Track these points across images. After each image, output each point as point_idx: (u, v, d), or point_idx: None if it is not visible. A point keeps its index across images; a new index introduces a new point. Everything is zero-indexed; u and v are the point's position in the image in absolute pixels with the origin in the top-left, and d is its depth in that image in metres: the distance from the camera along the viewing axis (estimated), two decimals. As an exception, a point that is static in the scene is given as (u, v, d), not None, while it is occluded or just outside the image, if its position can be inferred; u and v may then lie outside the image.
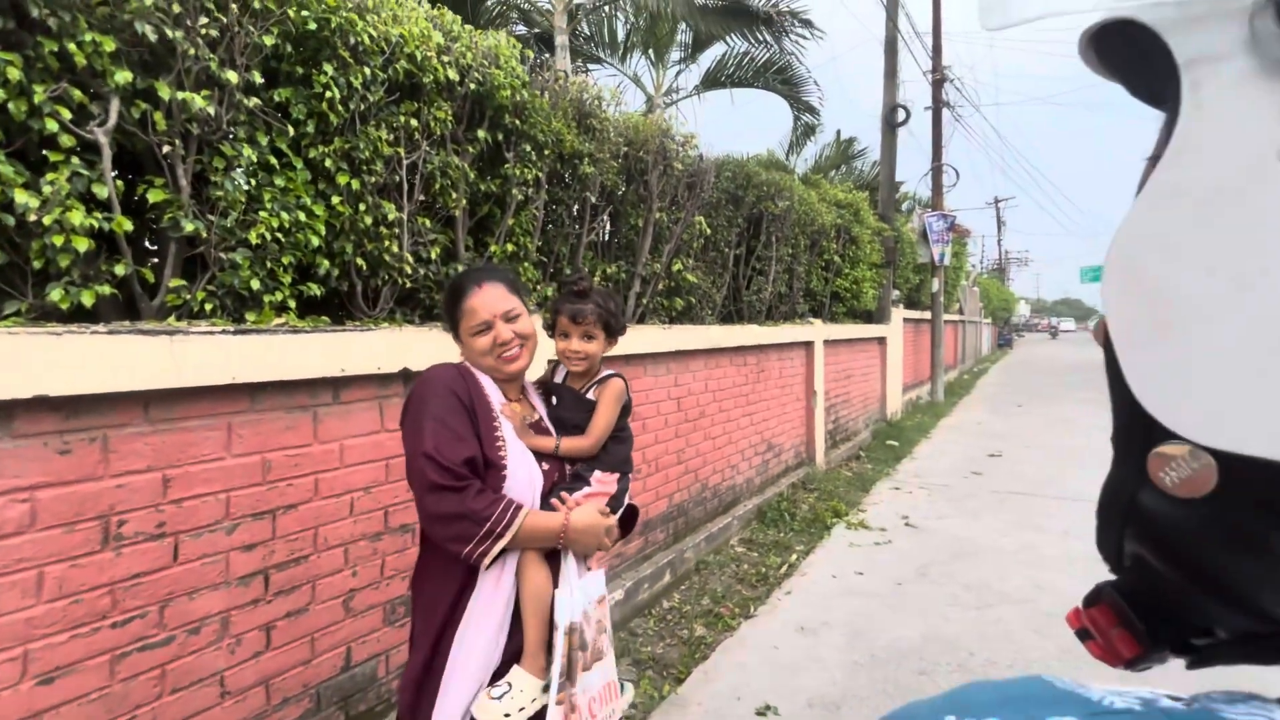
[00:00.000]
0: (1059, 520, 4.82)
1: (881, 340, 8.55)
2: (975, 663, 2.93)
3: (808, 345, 5.97)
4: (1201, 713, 0.21)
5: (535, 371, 1.58)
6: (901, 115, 9.26)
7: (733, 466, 4.71)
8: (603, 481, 1.42)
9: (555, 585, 1.32)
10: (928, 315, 11.31)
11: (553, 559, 1.34)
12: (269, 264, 2.01)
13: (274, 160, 2.02)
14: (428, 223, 2.58)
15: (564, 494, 1.36)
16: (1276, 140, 0.21)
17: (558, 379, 1.55)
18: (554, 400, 1.50)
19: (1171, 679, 0.25)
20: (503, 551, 1.24)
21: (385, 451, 2.18)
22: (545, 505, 1.35)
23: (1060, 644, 2.96)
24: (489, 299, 1.36)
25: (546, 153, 3.03)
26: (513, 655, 1.29)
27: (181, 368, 1.59)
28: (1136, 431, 0.26)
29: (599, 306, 1.45)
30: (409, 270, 2.47)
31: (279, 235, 2.01)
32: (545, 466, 1.38)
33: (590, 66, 9.40)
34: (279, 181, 2.03)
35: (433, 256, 2.59)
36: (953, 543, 4.46)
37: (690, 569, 3.90)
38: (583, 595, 1.34)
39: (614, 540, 1.44)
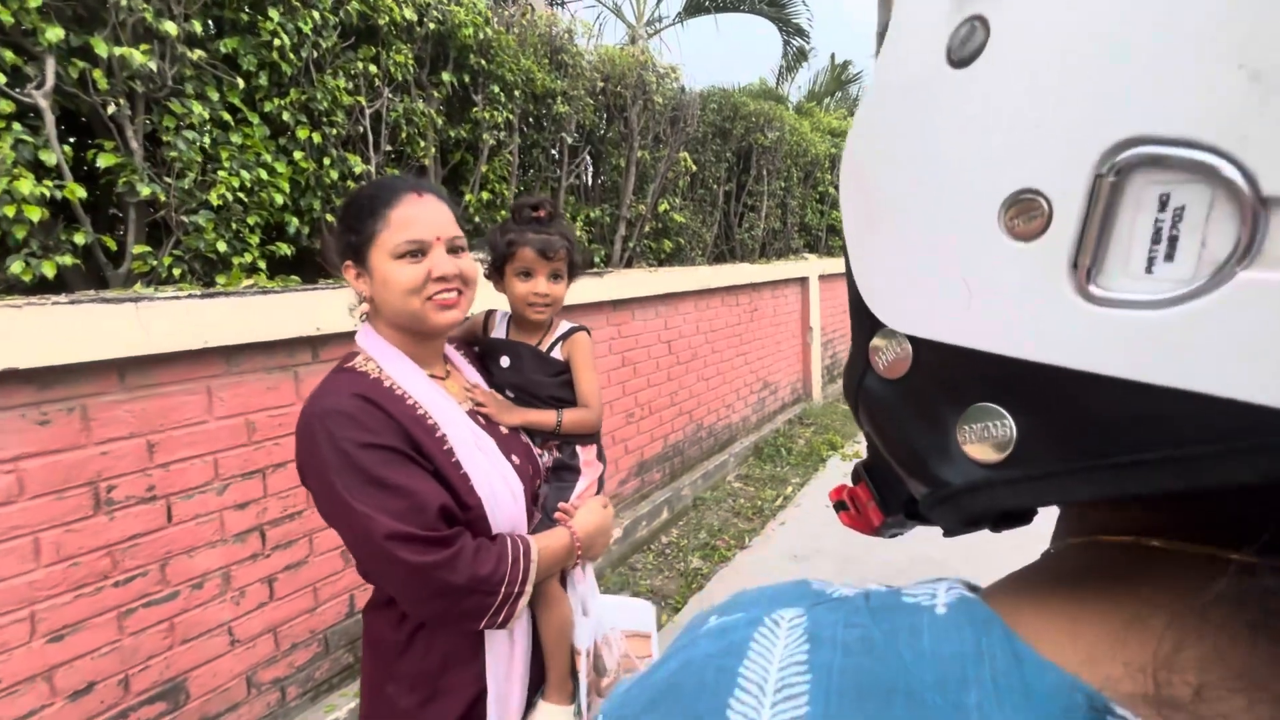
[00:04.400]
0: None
1: (879, 272, 8.45)
2: (962, 582, 3.04)
3: (802, 281, 5.91)
4: (891, 593, 0.25)
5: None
6: (898, 33, 8.82)
7: (728, 406, 4.76)
8: (590, 464, 1.19)
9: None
10: (928, 244, 11.11)
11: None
12: (234, 225, 1.98)
13: (228, 116, 1.96)
14: (397, 174, 2.52)
15: (562, 505, 1.13)
16: (942, 43, 0.23)
17: (497, 333, 1.22)
18: (504, 362, 1.17)
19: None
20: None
21: (371, 407, 2.20)
22: (542, 517, 1.11)
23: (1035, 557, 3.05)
24: (431, 214, 0.95)
25: (517, 93, 2.92)
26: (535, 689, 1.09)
27: (151, 334, 1.60)
28: (864, 321, 0.29)
29: (566, 238, 1.15)
30: (381, 224, 2.43)
31: (241, 195, 1.98)
32: (516, 460, 1.05)
33: (567, -2, 8.95)
34: (235, 138, 1.97)
35: (405, 209, 2.54)
36: (946, 469, 4.54)
37: (688, 505, 4.00)
38: (607, 617, 1.14)
39: None
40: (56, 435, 1.51)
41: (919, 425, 0.27)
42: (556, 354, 1.19)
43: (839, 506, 0.36)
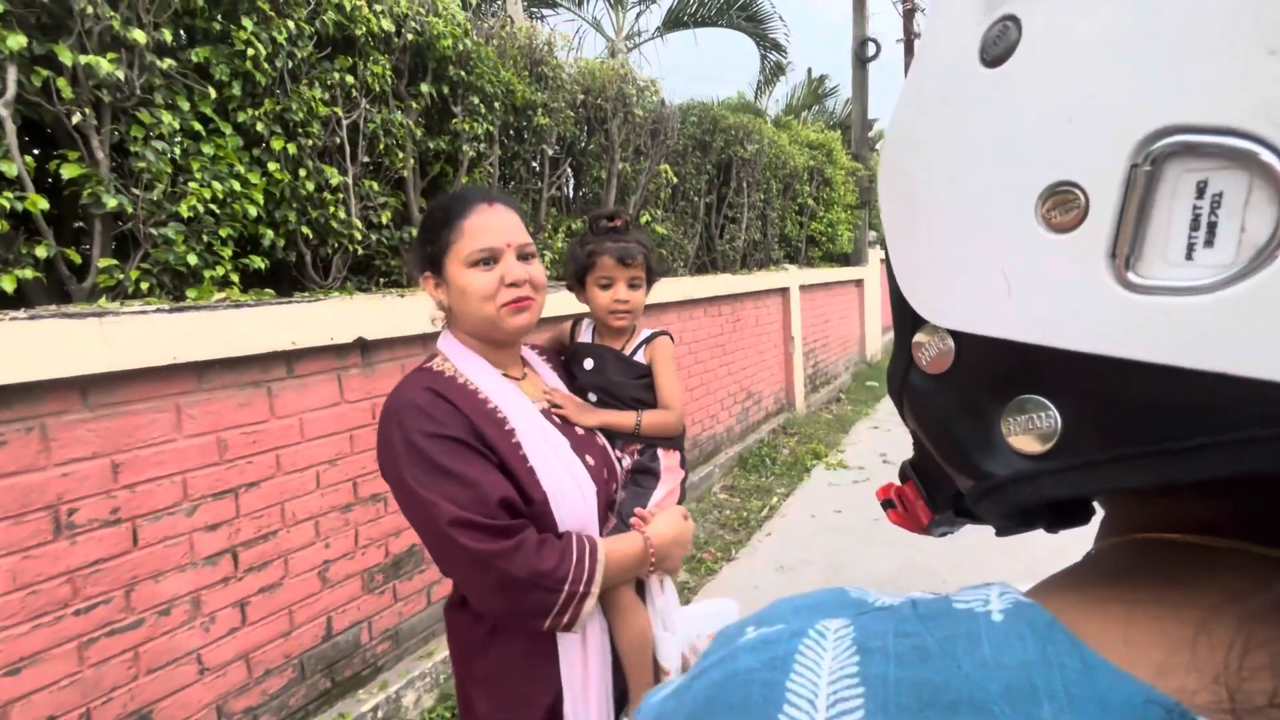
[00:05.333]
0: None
1: (859, 282, 8.55)
2: (948, 588, 3.01)
3: (783, 291, 5.94)
4: (940, 600, 0.25)
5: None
6: (872, 49, 9.00)
7: (712, 416, 4.74)
8: (672, 470, 1.16)
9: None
10: (905, 255, 11.25)
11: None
12: (205, 237, 1.93)
13: (199, 126, 1.92)
14: (375, 186, 2.48)
15: (639, 511, 1.08)
16: (974, 44, 0.24)
17: (583, 339, 1.23)
18: (588, 364, 1.18)
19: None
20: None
21: (348, 423, 2.15)
22: (617, 523, 1.08)
23: (1027, 563, 3.06)
24: (502, 222, 0.97)
25: (497, 105, 2.91)
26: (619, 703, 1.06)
27: (116, 350, 1.54)
28: (906, 319, 0.29)
29: (643, 245, 1.15)
30: (359, 236, 2.39)
31: (213, 206, 1.93)
32: (591, 461, 1.03)
33: (545, 12, 9.00)
34: (207, 149, 1.93)
35: (384, 221, 2.51)
36: (929, 477, 4.56)
37: (673, 519, 3.96)
38: (692, 629, 1.10)
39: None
40: (14, 456, 1.44)
41: (963, 419, 0.27)
42: (639, 357, 1.20)
43: (886, 505, 0.36)
